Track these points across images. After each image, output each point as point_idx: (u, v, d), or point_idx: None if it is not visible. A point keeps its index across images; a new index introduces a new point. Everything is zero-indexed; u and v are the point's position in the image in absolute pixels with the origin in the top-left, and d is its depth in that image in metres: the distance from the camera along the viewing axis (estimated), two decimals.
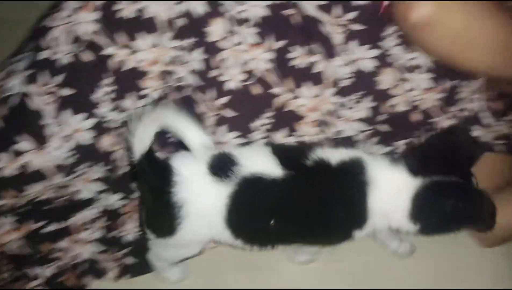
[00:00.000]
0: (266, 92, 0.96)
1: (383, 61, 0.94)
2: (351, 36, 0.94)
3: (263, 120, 0.98)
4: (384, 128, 1.00)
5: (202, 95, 0.96)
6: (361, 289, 1.01)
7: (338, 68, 0.95)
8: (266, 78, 0.95)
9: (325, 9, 0.92)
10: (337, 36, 0.94)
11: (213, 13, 0.91)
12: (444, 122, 1.00)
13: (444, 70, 0.94)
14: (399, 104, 0.98)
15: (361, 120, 0.99)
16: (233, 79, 0.95)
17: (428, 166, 0.82)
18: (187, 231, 0.84)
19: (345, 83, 0.96)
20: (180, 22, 0.91)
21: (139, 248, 1.03)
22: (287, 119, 0.98)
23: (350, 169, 0.85)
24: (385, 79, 0.95)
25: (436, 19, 0.79)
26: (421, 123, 1.00)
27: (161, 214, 0.85)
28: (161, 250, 0.95)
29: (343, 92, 0.97)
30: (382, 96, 0.97)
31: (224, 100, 0.96)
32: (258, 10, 0.92)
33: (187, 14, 0.91)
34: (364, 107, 0.98)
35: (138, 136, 0.80)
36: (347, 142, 1.01)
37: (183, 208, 0.82)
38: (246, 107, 0.97)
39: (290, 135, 0.99)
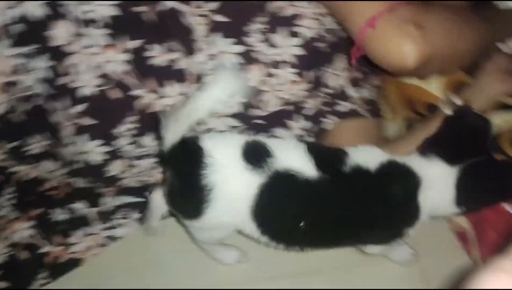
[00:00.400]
0: (126, 95, 0.90)
1: (248, 56, 0.92)
2: (214, 28, 0.90)
3: (127, 125, 0.93)
4: (260, 122, 1.00)
5: (54, 104, 0.89)
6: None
7: (202, 63, 0.92)
8: (124, 80, 0.89)
9: (183, 0, 0.88)
10: (199, 27, 0.90)
11: (53, 15, 0.83)
12: (311, 104, 1.00)
13: (308, 63, 0.94)
14: (270, 100, 0.97)
15: (234, 116, 0.97)
16: (87, 84, 0.88)
17: (457, 152, 0.85)
18: (213, 215, 0.81)
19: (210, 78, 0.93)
20: (17, 28, 0.82)
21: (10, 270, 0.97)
22: (154, 121, 0.94)
23: (392, 172, 0.84)
24: (251, 75, 0.93)
25: (430, 56, 0.81)
26: (291, 111, 1.00)
27: (190, 196, 0.82)
28: (193, 231, 0.92)
29: None
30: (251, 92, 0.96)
31: (80, 107, 0.89)
32: (105, 10, 0.85)
33: (23, 19, 0.82)
34: (236, 102, 0.96)
35: (172, 130, 0.78)
36: None
37: (212, 192, 0.78)
38: (106, 113, 0.91)
39: (159, 138, 0.96)
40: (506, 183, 0.86)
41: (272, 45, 0.91)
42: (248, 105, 0.96)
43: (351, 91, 1.04)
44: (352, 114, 1.04)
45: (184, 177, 0.81)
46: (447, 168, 0.83)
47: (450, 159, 0.84)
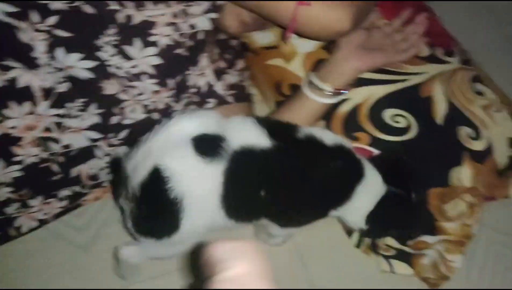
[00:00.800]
0: None
1: (102, 71, 0.86)
2: (56, 43, 0.82)
3: None
4: (124, 133, 0.95)
5: None
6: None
7: (48, 79, 0.84)
8: None
9: (20, 16, 0.78)
10: (40, 44, 0.81)
11: None
12: (179, 107, 0.98)
13: (168, 71, 0.91)
14: (135, 109, 0.93)
15: (91, 128, 0.91)
16: None
17: (391, 178, 0.91)
18: (191, 223, 0.79)
19: (61, 92, 0.86)
20: None
21: None
22: (1, 145, 0.86)
23: (345, 152, 0.89)
24: (108, 88, 0.88)
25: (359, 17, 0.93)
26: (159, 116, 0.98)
27: (160, 215, 0.80)
28: (160, 250, 0.88)
29: (59, 103, 0.88)
30: (109, 102, 0.90)
31: None
32: None
33: None
34: (91, 114, 0.90)
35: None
36: (83, 155, 0.94)
37: (182, 202, 0.77)
38: None
39: (10, 163, 0.88)
40: (411, 226, 0.97)
41: (127, 58, 0.86)
42: (108, 114, 0.91)
43: (217, 83, 1.03)
44: (219, 103, 1.05)
45: (150, 200, 0.79)
46: (381, 182, 0.90)
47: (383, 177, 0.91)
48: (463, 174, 1.04)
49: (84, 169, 0.97)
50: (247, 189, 0.83)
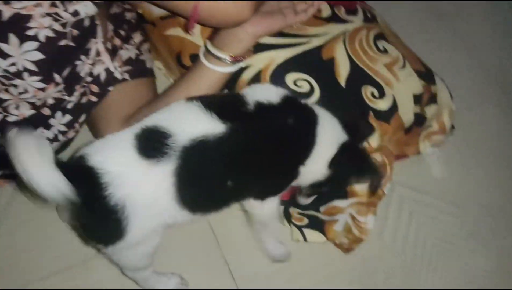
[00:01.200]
0: None
1: None
2: None
3: None
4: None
5: None
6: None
7: None
8: None
9: None
10: None
11: None
12: (71, 99, 0.92)
13: (52, 65, 0.84)
14: (20, 106, 0.85)
15: None
16: None
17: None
18: (138, 228, 0.73)
19: None
20: None
21: None
22: None
23: (294, 102, 0.85)
24: None
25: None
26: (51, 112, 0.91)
27: (104, 223, 0.73)
28: (119, 257, 0.82)
29: None
30: None
31: None
32: None
33: None
34: None
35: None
36: None
37: (126, 207, 0.70)
38: None
39: None
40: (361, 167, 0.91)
41: (4, 56, 0.77)
42: None
43: (112, 64, 0.97)
44: (115, 82, 0.98)
45: (89, 206, 0.70)
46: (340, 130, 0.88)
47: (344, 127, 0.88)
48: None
49: None
50: (209, 183, 0.77)
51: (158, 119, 0.77)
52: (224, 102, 0.85)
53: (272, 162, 0.83)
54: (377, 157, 1.06)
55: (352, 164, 0.90)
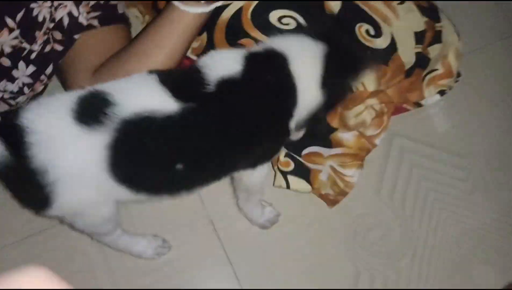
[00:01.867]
0: None
1: None
2: None
3: None
4: None
5: None
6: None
7: None
8: None
9: None
10: None
11: None
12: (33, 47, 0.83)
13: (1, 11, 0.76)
14: None
15: None
16: None
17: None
18: (67, 199, 0.67)
19: None
20: None
21: None
22: None
23: (257, 64, 0.73)
24: None
25: None
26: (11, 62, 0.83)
27: (25, 186, 0.68)
28: (73, 223, 0.77)
29: None
30: None
31: None
32: None
33: None
34: None
35: None
36: None
37: (49, 172, 0.63)
38: None
39: None
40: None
41: None
42: None
43: (75, 8, 0.86)
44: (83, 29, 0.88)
45: (12, 167, 0.64)
46: (312, 43, 0.76)
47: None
48: (366, 77, 0.92)
49: None
50: (152, 163, 0.69)
51: (110, 86, 0.68)
52: (183, 79, 0.74)
53: (254, 134, 0.74)
54: (372, 103, 0.96)
55: (344, 68, 0.79)
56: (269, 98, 0.74)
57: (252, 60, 0.73)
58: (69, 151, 0.65)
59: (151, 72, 0.72)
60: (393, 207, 1.02)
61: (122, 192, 0.69)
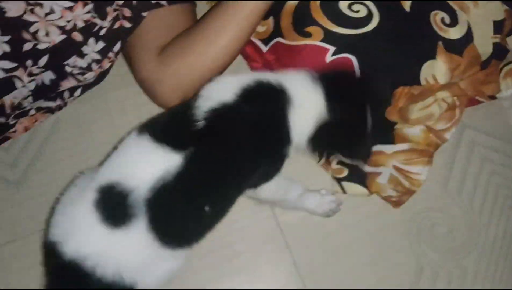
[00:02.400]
0: None
1: None
2: None
3: None
4: (44, 60, 0.82)
5: None
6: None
7: None
8: None
9: None
10: None
11: None
12: (103, 23, 0.85)
13: None
14: (49, 32, 0.80)
15: (1, 57, 0.79)
16: None
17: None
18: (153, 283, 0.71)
19: None
20: None
21: None
22: None
23: (254, 95, 0.72)
24: (10, 9, 0.75)
25: None
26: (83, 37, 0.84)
27: None
28: None
29: None
30: (15, 26, 0.77)
31: None
32: None
33: None
34: None
35: None
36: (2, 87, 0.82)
37: (123, 279, 0.66)
38: None
39: None
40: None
41: None
42: (17, 41, 0.78)
43: None
44: (151, 7, 0.89)
45: None
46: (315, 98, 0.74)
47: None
48: (437, 69, 0.88)
49: (7, 100, 0.86)
50: (187, 218, 0.71)
51: (112, 171, 0.69)
52: (173, 124, 0.73)
53: (252, 161, 0.73)
54: (446, 97, 0.92)
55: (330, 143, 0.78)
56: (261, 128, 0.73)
57: (248, 91, 0.72)
58: (124, 253, 0.67)
59: (142, 128, 0.71)
60: (460, 203, 0.98)
61: (169, 256, 0.71)
